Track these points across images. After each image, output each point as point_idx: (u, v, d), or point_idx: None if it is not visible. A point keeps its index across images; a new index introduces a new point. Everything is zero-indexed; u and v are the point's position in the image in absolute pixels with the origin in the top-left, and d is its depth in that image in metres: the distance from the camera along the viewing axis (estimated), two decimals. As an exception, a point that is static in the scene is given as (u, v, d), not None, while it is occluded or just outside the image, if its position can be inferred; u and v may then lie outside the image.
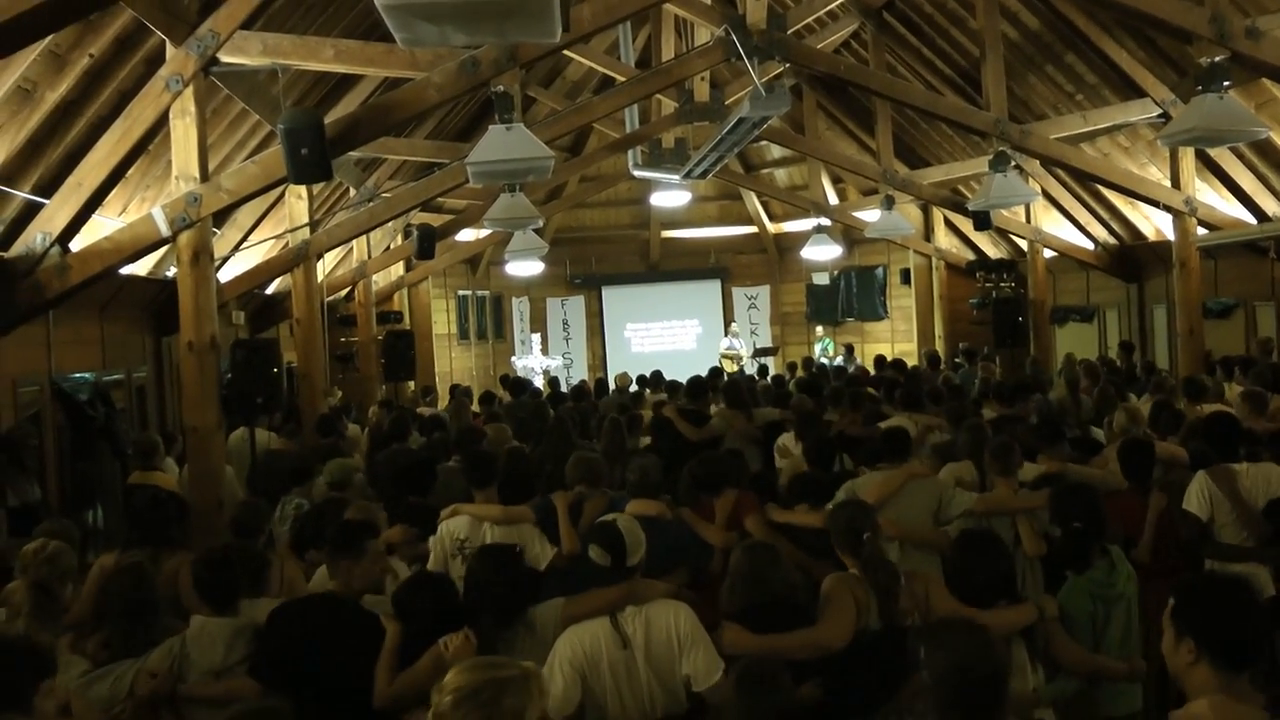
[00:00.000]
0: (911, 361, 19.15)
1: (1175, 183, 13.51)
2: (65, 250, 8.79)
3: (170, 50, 8.47)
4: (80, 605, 5.87)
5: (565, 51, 15.77)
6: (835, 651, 4.76)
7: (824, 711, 4.63)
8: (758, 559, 5.09)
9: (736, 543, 6.40)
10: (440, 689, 3.14)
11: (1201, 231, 13.59)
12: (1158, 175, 14.45)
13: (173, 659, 4.92)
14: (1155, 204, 13.88)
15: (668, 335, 26.75)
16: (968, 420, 8.51)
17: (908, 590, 4.95)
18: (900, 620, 4.88)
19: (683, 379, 13.56)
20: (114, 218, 10.55)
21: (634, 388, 16.01)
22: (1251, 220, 13.89)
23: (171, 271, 11.44)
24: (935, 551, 6.36)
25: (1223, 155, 13.37)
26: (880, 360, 17.43)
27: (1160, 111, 13.01)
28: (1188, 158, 13.42)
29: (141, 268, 11.83)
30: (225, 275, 13.46)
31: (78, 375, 11.15)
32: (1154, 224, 16.16)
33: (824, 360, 21.94)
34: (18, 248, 8.60)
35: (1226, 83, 8.52)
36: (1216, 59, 8.63)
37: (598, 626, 4.70)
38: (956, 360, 18.45)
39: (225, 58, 8.67)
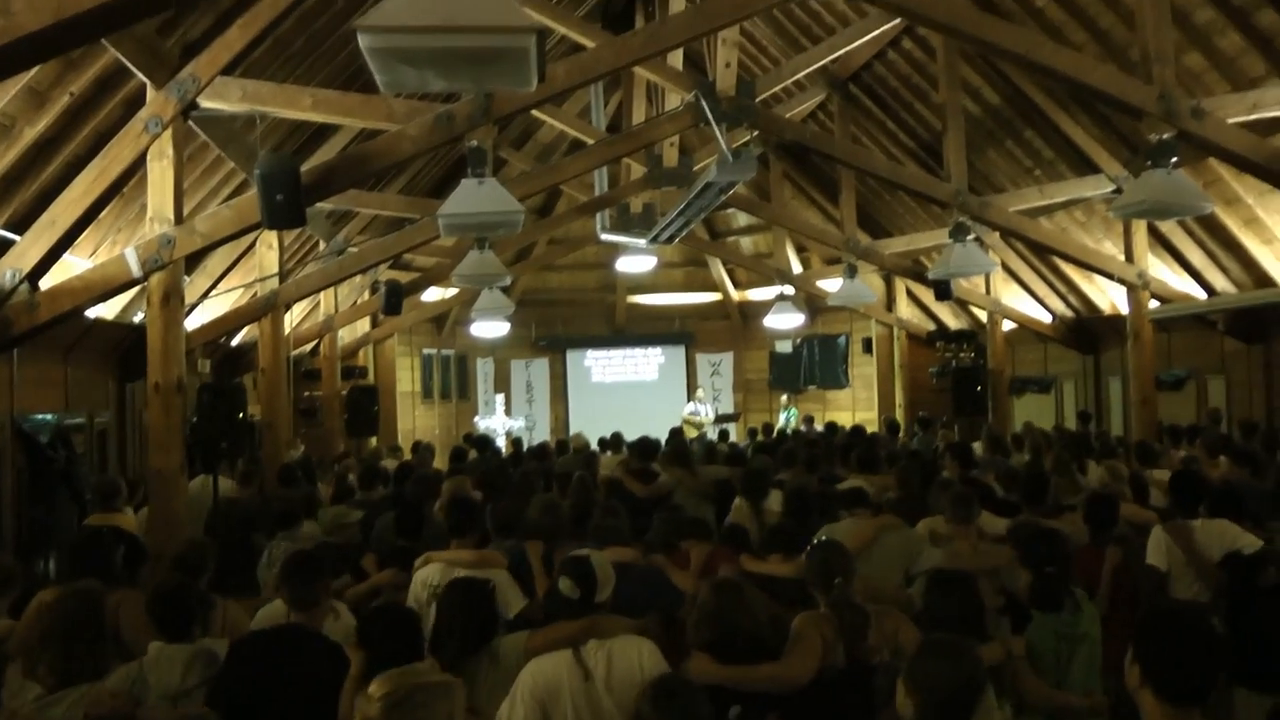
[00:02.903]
0: (872, 429, 19.30)
1: (1129, 257, 13.88)
2: (35, 288, 8.82)
3: (151, 92, 8.60)
4: (21, 631, 5.81)
5: (537, 113, 16.08)
6: (799, 686, 4.88)
7: None
8: (724, 595, 5.18)
9: None
10: (368, 697, 3.19)
11: (1154, 304, 13.93)
12: (1112, 249, 14.78)
13: (131, 682, 4.96)
14: (1110, 277, 14.24)
15: (630, 365, 27.06)
16: (939, 477, 8.73)
17: (877, 628, 5.10)
18: (868, 658, 5.01)
19: (645, 413, 13.68)
20: (85, 258, 10.62)
21: (594, 447, 16.11)
22: (1202, 294, 14.23)
23: (139, 316, 11.52)
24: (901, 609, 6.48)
25: (1174, 232, 13.74)
26: (831, 426, 17.62)
27: (1114, 187, 13.34)
28: (1140, 233, 13.80)
29: (109, 311, 11.88)
30: (192, 323, 13.51)
31: (39, 416, 11.10)
32: (1109, 297, 16.50)
33: (787, 430, 22.06)
34: (-14, 283, 8.64)
35: (1174, 159, 8.79)
36: (1164, 136, 8.91)
37: (560, 658, 4.71)
38: (915, 429, 18.67)
39: (205, 102, 8.83)
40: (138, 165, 8.78)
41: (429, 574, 6.64)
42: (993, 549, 6.97)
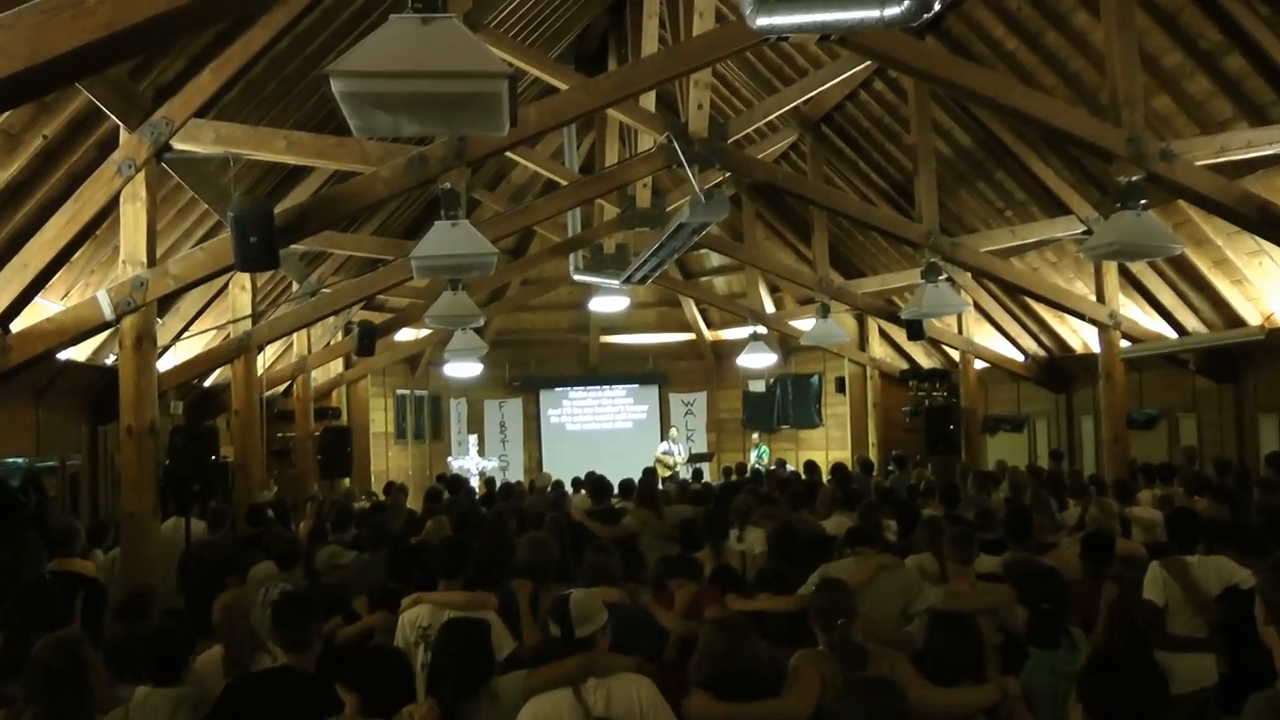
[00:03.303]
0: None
1: (1100, 297, 14.00)
2: (6, 330, 8.80)
3: (124, 135, 8.62)
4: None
5: (510, 155, 16.10)
6: None
7: None
8: (728, 633, 5.18)
9: (695, 631, 6.57)
10: None
11: (1125, 344, 14.03)
12: (1084, 289, 14.89)
13: None
14: (1081, 317, 14.34)
15: (605, 414, 27.10)
16: (925, 516, 8.75)
17: (875, 667, 5.10)
18: None
19: (619, 452, 13.65)
20: (57, 301, 10.57)
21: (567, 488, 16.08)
22: (1172, 334, 14.34)
23: (111, 359, 11.45)
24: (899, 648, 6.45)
25: (1144, 272, 13.85)
26: (811, 465, 17.63)
27: (1084, 228, 13.49)
28: (1111, 273, 13.93)
29: (80, 353, 11.82)
30: (165, 364, 13.42)
31: (10, 460, 11.01)
32: (1080, 337, 16.60)
33: (759, 467, 22.08)
34: (-42, 327, 8.60)
35: (1144, 201, 8.87)
36: (1134, 178, 8.99)
37: (560, 697, 4.68)
38: (889, 468, 18.70)
39: (178, 144, 8.84)
40: (110, 208, 8.78)
41: (418, 614, 6.53)
42: (991, 588, 6.96)
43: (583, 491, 15.36)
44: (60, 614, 6.51)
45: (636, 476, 14.36)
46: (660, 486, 14.83)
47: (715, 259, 25.42)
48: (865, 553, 7.32)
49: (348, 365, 21.46)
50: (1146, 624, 6.95)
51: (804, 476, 16.25)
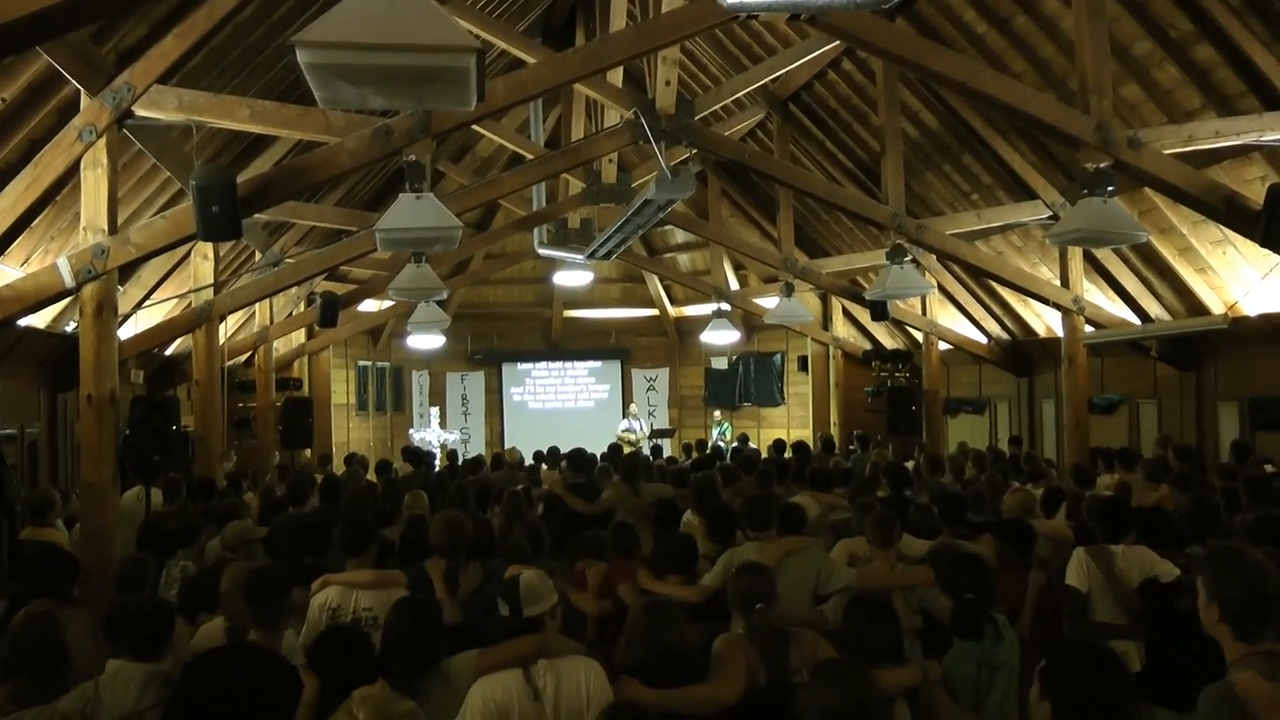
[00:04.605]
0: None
1: (1065, 282, 14.07)
2: (-36, 298, 8.68)
3: (85, 100, 8.49)
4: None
5: (476, 128, 16.01)
6: (727, 708, 4.89)
7: None
8: (657, 616, 5.22)
9: (609, 610, 6.55)
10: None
11: (1089, 330, 14.12)
12: (1048, 274, 14.96)
13: (85, 703, 4.86)
14: (1045, 301, 14.41)
15: (567, 391, 27.12)
16: (860, 499, 8.74)
17: (797, 649, 5.12)
18: (789, 677, 5.02)
19: (580, 427, 13.63)
20: (16, 268, 10.43)
21: (529, 463, 16.08)
22: (1136, 321, 14.43)
23: (71, 326, 11.31)
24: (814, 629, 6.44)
25: (1109, 258, 13.92)
26: (779, 444, 17.67)
27: (1050, 213, 13.55)
28: (1076, 259, 13.99)
29: (40, 320, 11.68)
30: (125, 333, 13.28)
31: (-31, 428, 10.94)
32: (1044, 321, 16.69)
33: (720, 444, 22.12)
34: (-85, 294, 8.46)
35: (1110, 188, 8.90)
36: (1101, 165, 9.02)
37: (510, 678, 4.69)
38: (851, 447, 18.77)
39: (140, 111, 8.69)
40: (71, 174, 8.65)
41: (327, 597, 6.45)
42: (910, 569, 6.97)
43: (544, 466, 15.40)
44: (62, 587, 6.44)
45: (599, 450, 14.35)
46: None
47: (680, 236, 25.43)
48: (761, 540, 7.26)
49: (310, 336, 21.33)
50: (1071, 611, 6.98)
51: (770, 455, 16.28)
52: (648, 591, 6.76)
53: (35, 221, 9.55)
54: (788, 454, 15.41)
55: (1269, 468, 10.82)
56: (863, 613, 5.35)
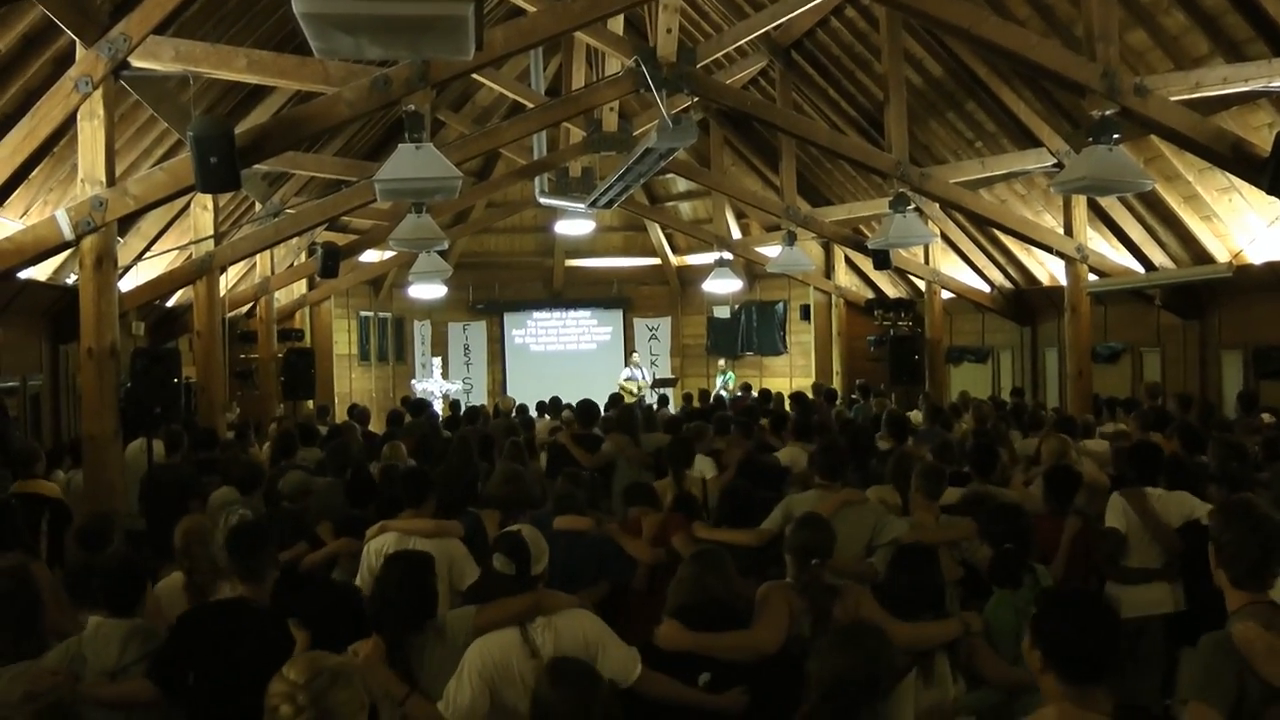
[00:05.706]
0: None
1: (1068, 230, 14.00)
2: (-37, 250, 8.65)
3: (80, 51, 8.42)
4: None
5: (476, 76, 15.89)
6: (767, 655, 4.92)
7: (752, 715, 4.78)
8: (704, 563, 5.25)
9: (662, 558, 6.59)
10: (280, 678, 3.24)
11: (1092, 278, 14.06)
12: (1052, 222, 14.89)
13: (69, 658, 4.87)
14: (1049, 250, 14.34)
15: (569, 335, 27.11)
16: (895, 449, 8.74)
17: (840, 603, 5.14)
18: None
19: (583, 376, 13.59)
20: (15, 219, 10.39)
21: (532, 413, 16.09)
22: (1140, 269, 14.36)
23: (72, 278, 11.28)
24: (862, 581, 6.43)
25: (1113, 206, 13.83)
26: (765, 394, 17.66)
27: (1055, 161, 13.45)
28: (1080, 207, 13.91)
29: (41, 272, 11.64)
30: (126, 285, 13.25)
31: (-29, 381, 10.92)
32: (1047, 269, 16.62)
33: (724, 393, 22.10)
34: (-86, 246, 8.43)
35: (1116, 135, 8.86)
36: (1107, 113, 8.96)
37: (507, 637, 4.65)
38: (853, 396, 18.75)
39: (136, 62, 8.62)
40: (68, 125, 8.58)
41: (383, 543, 6.47)
42: (955, 521, 6.96)
43: (547, 416, 15.40)
44: (25, 540, 6.46)
45: (601, 400, 14.33)
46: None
47: (682, 184, 25.27)
48: (821, 487, 7.29)
49: (311, 287, 21.28)
50: (1107, 556, 7.02)
51: (765, 405, 16.24)
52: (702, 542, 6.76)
53: (33, 173, 9.47)
54: (781, 405, 15.38)
55: (1266, 417, 10.79)
56: (908, 564, 5.41)
